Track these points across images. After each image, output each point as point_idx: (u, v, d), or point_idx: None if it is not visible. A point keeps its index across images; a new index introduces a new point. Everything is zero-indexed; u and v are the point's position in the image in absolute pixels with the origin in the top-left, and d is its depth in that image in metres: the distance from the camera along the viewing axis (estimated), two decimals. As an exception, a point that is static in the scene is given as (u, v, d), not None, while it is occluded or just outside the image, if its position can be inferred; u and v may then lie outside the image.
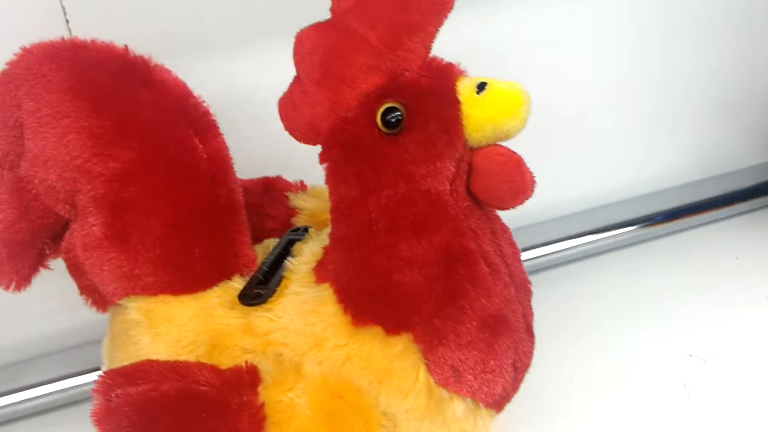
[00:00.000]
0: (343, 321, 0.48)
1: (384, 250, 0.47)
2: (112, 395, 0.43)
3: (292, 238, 0.57)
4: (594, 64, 0.90)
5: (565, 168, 0.94)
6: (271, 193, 0.63)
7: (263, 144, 0.71)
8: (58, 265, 0.59)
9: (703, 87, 0.97)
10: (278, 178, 0.65)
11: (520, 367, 0.51)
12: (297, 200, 0.62)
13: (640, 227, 0.93)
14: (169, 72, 0.53)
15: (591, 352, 0.73)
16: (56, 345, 0.80)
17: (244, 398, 0.43)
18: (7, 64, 0.53)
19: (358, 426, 0.46)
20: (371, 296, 0.47)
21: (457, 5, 0.46)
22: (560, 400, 0.67)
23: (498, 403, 0.51)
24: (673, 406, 0.66)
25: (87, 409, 0.73)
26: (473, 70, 0.48)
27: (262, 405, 0.43)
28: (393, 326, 0.47)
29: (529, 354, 0.52)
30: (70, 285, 0.74)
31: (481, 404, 0.49)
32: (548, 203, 0.93)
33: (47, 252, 0.57)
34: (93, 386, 0.45)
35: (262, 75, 0.75)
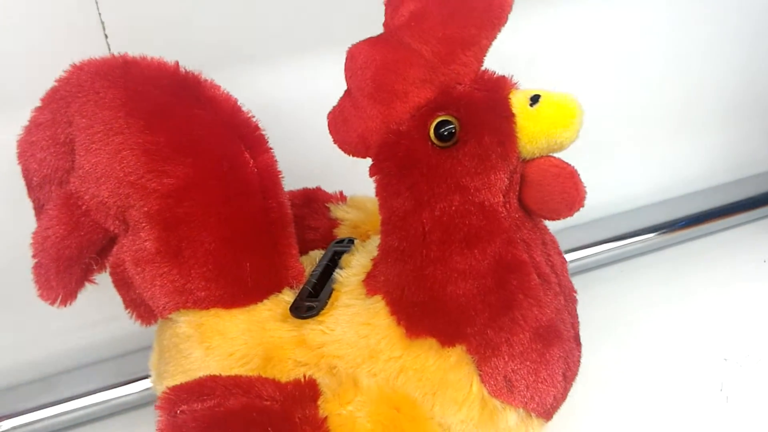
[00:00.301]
0: (397, 333, 0.48)
1: (438, 262, 0.47)
2: (178, 411, 0.43)
3: (337, 249, 0.57)
4: (616, 70, 0.91)
5: (588, 174, 0.94)
6: (312, 204, 0.63)
7: (300, 155, 0.72)
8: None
9: (727, 90, 0.98)
10: (318, 189, 0.65)
11: (569, 376, 0.51)
12: (338, 211, 0.62)
13: (664, 232, 0.93)
14: (219, 87, 0.53)
15: (624, 358, 0.74)
16: (91, 357, 0.80)
17: (307, 412, 0.43)
18: (56, 81, 0.53)
19: (416, 438, 0.46)
20: (425, 308, 0.48)
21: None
22: (594, 407, 0.67)
23: (548, 413, 0.51)
24: (710, 410, 0.66)
25: (122, 421, 0.75)
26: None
27: (325, 419, 0.43)
28: (447, 338, 0.47)
29: (577, 362, 0.53)
30: (104, 297, 0.74)
31: (532, 414, 0.49)
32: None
33: (94, 267, 0.57)
34: (157, 402, 0.45)
35: (295, 88, 0.76)
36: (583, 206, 0.47)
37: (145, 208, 0.51)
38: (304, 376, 0.46)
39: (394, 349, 0.48)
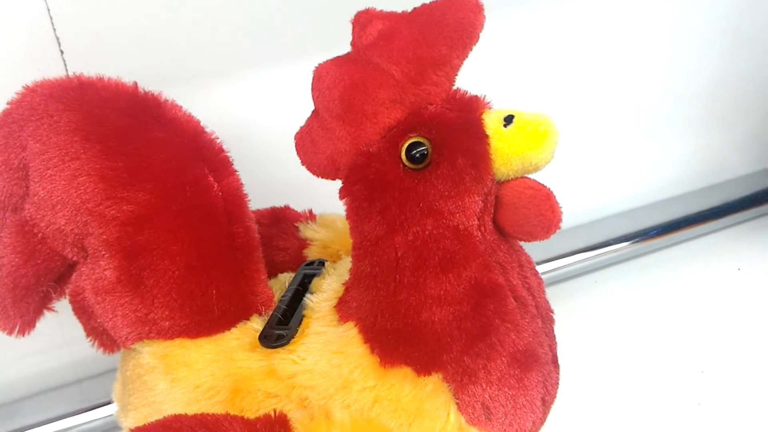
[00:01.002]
0: (371, 362, 0.46)
1: (411, 288, 0.45)
2: (142, 453, 0.41)
3: (307, 272, 0.55)
4: (586, 76, 0.90)
5: (560, 183, 0.93)
6: (281, 224, 0.61)
7: (267, 173, 0.70)
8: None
9: (697, 97, 0.98)
10: (287, 208, 0.63)
11: (548, 400, 0.50)
12: (307, 231, 0.61)
13: (637, 241, 0.93)
14: (180, 108, 0.51)
15: (600, 368, 0.73)
16: (54, 381, 0.78)
17: (278, 451, 0.41)
18: (8, 103, 0.51)
19: (392, 471, 0.44)
20: (399, 336, 0.46)
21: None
22: (570, 419, 0.66)
23: (527, 438, 0.50)
24: (686, 420, 0.66)
25: None
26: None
27: (297, 456, 0.41)
28: (423, 366, 0.46)
29: (556, 385, 0.52)
30: (65, 320, 0.72)
31: (510, 441, 0.48)
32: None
33: (53, 295, 0.55)
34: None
35: (258, 104, 0.74)
36: (559, 228, 0.46)
37: (104, 236, 0.48)
38: (274, 411, 0.44)
39: (368, 379, 0.46)
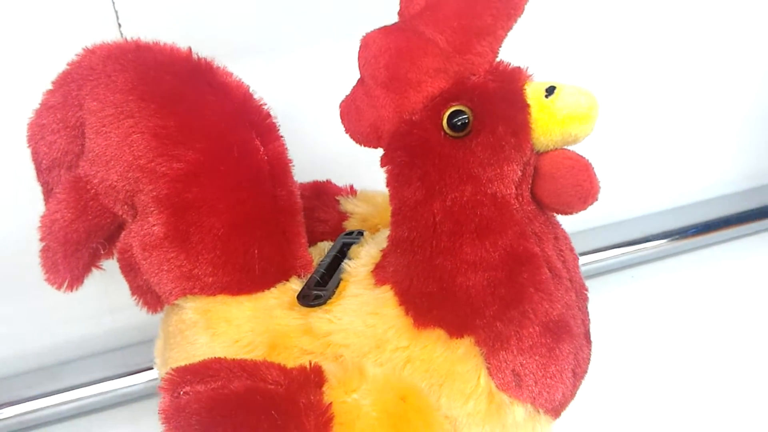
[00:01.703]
0: (405, 323, 0.48)
1: (447, 252, 0.46)
2: (181, 392, 0.43)
3: (346, 241, 0.57)
4: (634, 74, 0.90)
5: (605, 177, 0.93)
6: (322, 197, 0.63)
7: (311, 150, 0.71)
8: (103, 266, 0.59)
9: (746, 99, 0.97)
10: (328, 183, 0.65)
11: (578, 373, 0.51)
12: (348, 204, 0.62)
13: (676, 239, 0.93)
14: (231, 75, 0.53)
15: (631, 363, 0.73)
16: (97, 347, 0.80)
17: (312, 398, 0.43)
18: (68, 64, 0.53)
19: (422, 428, 0.45)
20: (434, 299, 0.47)
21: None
22: (600, 411, 0.66)
23: (556, 410, 0.50)
24: (714, 417, 0.65)
25: (125, 412, 0.75)
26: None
27: (329, 405, 0.43)
28: (455, 329, 0.47)
29: (587, 360, 0.52)
30: (111, 287, 0.74)
31: (540, 410, 0.49)
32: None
33: (102, 252, 0.57)
34: (160, 383, 0.45)
35: (307, 81, 0.76)
36: (596, 200, 0.46)
37: (154, 193, 0.50)
38: (310, 363, 0.45)
39: (401, 339, 0.47)
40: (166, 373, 0.45)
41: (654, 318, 0.81)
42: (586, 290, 0.54)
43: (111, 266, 0.58)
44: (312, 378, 0.44)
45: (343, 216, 0.62)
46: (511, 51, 0.48)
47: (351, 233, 0.58)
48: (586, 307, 0.54)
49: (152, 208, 0.51)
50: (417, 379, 0.47)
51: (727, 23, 0.91)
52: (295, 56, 0.75)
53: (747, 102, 0.97)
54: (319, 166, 0.68)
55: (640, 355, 0.75)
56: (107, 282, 0.75)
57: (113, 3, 0.66)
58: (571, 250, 0.52)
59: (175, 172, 0.50)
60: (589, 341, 0.52)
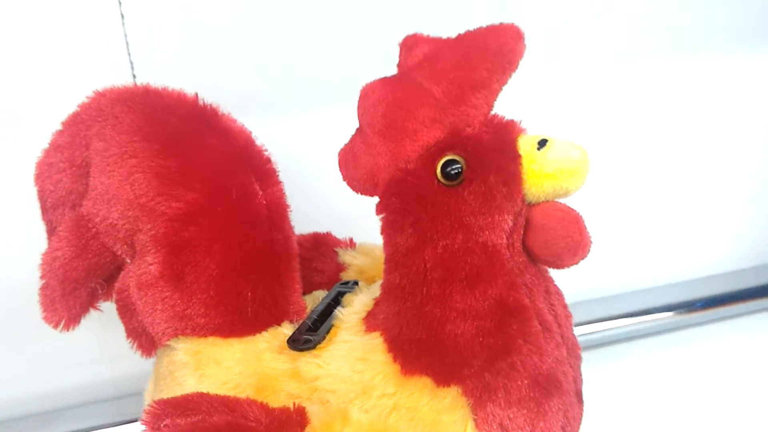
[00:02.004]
0: (393, 370, 0.47)
1: (437, 299, 0.46)
2: (161, 425, 0.43)
3: (341, 290, 0.57)
4: (642, 146, 0.91)
5: (611, 252, 0.94)
6: (321, 248, 0.63)
7: (312, 202, 0.72)
8: (101, 314, 0.59)
9: (752, 174, 0.97)
10: (328, 235, 0.65)
11: (568, 431, 0.50)
12: (346, 256, 0.62)
13: (678, 313, 0.92)
14: (235, 121, 0.54)
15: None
16: (94, 395, 0.80)
17: (292, 438, 0.42)
18: (78, 105, 0.55)
19: (404, 478, 0.44)
20: (422, 346, 0.47)
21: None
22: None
23: (544, 468, 0.49)
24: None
25: None
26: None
27: (310, 448, 0.42)
28: (443, 378, 0.46)
29: (578, 419, 0.51)
30: (110, 336, 0.75)
31: (527, 467, 0.48)
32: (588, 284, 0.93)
33: (100, 292, 0.58)
34: (142, 416, 0.44)
35: (316, 136, 0.77)
36: (587, 254, 0.46)
37: (153, 232, 0.51)
38: (294, 403, 0.45)
39: (388, 386, 0.47)
40: (149, 405, 0.44)
41: (656, 391, 0.80)
42: (579, 349, 0.53)
43: (111, 315, 0.58)
44: (294, 418, 0.43)
45: (341, 267, 0.62)
46: (507, 106, 0.49)
47: (347, 283, 0.58)
48: (579, 367, 0.53)
49: (150, 247, 0.52)
50: (402, 427, 0.46)
51: (735, 99, 0.92)
52: (304, 115, 0.77)
53: (761, 176, 0.97)
54: (321, 223, 0.69)
55: (640, 428, 0.73)
56: (106, 331, 0.76)
57: (129, 54, 0.69)
58: (564, 306, 0.52)
59: (173, 211, 0.51)
60: (580, 401, 0.52)
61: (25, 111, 0.68)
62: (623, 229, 0.94)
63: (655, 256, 0.98)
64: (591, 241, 0.46)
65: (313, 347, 0.50)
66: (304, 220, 0.62)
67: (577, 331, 0.84)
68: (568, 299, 0.52)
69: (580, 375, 0.53)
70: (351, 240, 0.65)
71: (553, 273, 0.51)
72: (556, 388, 0.47)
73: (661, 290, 0.96)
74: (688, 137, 0.92)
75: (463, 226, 0.46)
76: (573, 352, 0.52)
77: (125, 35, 0.69)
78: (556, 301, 0.51)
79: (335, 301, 0.55)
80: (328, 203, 0.75)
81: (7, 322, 0.76)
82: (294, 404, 0.45)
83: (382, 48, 0.53)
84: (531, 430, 0.46)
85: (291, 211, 0.55)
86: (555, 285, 0.52)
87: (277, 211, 0.53)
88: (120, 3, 0.68)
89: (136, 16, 0.68)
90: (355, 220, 0.65)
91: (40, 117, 0.67)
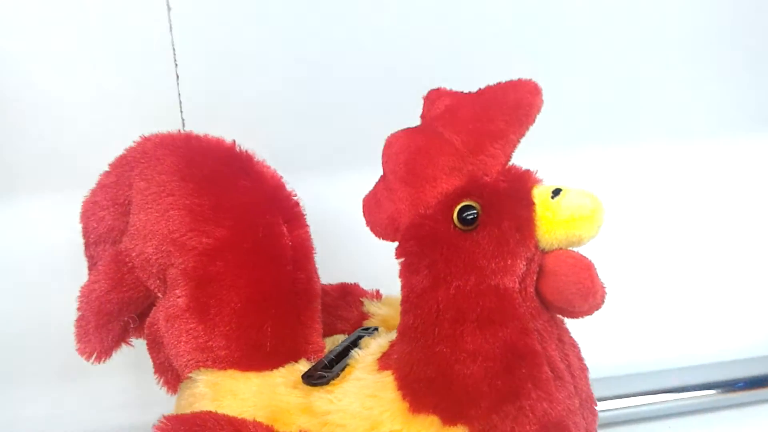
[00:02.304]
0: (401, 407, 0.48)
1: (448, 340, 0.47)
2: (171, 441, 0.44)
3: (361, 334, 0.58)
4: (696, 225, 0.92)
5: (644, 328, 0.93)
6: (348, 297, 0.65)
7: (343, 255, 0.74)
8: (138, 360, 0.62)
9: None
10: (355, 285, 0.67)
11: (579, 486, 0.49)
12: (371, 306, 0.64)
13: (719, 392, 0.89)
14: (268, 167, 0.58)
15: None
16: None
17: (297, 462, 0.43)
18: (125, 149, 0.59)
19: None
20: (431, 385, 0.48)
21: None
22: None
23: None
24: None
25: None
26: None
27: (313, 473, 0.43)
28: (450, 417, 0.47)
29: (590, 475, 0.50)
30: (142, 380, 0.77)
31: None
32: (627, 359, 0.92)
33: (131, 326, 0.60)
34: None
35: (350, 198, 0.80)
36: (599, 302, 0.47)
37: (183, 266, 0.54)
38: (301, 430, 0.46)
39: (395, 423, 0.47)
40: (159, 421, 0.46)
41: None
42: (595, 404, 0.53)
43: (144, 360, 0.60)
44: (299, 444, 0.44)
45: (365, 316, 0.63)
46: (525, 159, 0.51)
47: (368, 328, 0.60)
48: (594, 422, 0.52)
49: (180, 281, 0.54)
50: (407, 465, 0.47)
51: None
52: (343, 175, 0.80)
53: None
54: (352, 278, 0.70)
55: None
56: (139, 375, 0.78)
57: (181, 112, 0.73)
58: (580, 359, 0.52)
59: (203, 246, 0.53)
60: (594, 455, 0.51)
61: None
62: (672, 305, 0.94)
63: (689, 335, 0.96)
64: (603, 289, 0.47)
65: (327, 383, 0.51)
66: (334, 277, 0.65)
67: (618, 404, 0.85)
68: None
69: (595, 430, 0.52)
70: (377, 291, 0.67)
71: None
72: (566, 438, 0.47)
73: (702, 369, 0.94)
74: (741, 210, 0.92)
75: (477, 268, 0.47)
76: (587, 405, 0.52)
77: (179, 95, 0.74)
78: (571, 351, 0.51)
79: (354, 344, 0.57)
80: (361, 260, 0.76)
81: (46, 365, 0.79)
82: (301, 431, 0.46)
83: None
84: (539, 479, 0.46)
85: (316, 253, 0.57)
86: (570, 336, 0.52)
87: (302, 251, 0.56)
88: (176, 64, 0.73)
89: (190, 75, 0.73)
90: (384, 278, 0.67)
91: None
